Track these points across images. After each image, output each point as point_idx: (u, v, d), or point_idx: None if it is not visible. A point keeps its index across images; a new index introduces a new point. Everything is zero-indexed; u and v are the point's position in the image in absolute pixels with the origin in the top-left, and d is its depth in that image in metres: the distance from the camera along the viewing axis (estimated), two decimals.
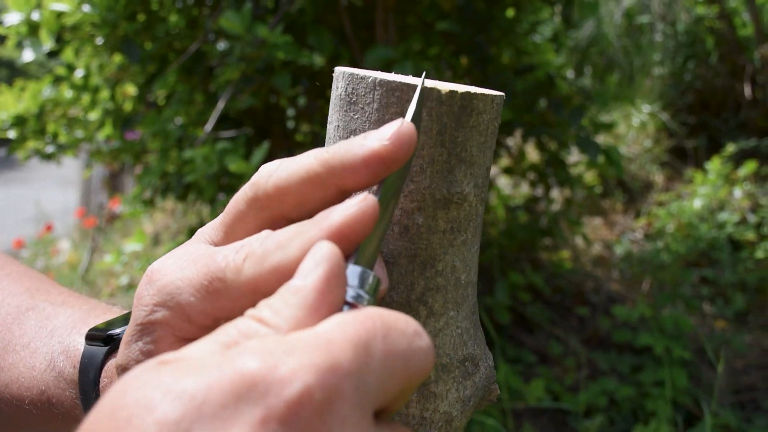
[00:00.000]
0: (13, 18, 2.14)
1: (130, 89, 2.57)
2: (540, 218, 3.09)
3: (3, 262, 0.64)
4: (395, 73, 1.64)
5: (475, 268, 0.48)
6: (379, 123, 0.43)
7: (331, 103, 0.47)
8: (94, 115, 2.34)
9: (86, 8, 2.04)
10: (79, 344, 0.52)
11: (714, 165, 3.92)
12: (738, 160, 4.15)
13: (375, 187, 0.40)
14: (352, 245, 0.37)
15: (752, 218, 3.68)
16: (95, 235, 4.78)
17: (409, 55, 2.27)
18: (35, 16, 2.14)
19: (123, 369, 0.40)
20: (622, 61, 4.66)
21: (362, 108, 0.44)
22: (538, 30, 3.02)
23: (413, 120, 0.41)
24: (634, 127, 4.37)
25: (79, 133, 2.57)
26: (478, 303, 2.79)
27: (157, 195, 2.40)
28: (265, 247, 0.37)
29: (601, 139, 4.03)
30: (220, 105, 1.97)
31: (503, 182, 3.91)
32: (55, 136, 2.27)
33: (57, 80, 2.44)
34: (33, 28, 2.14)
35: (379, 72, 0.46)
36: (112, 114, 2.31)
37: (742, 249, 3.50)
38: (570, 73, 4.11)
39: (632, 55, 4.62)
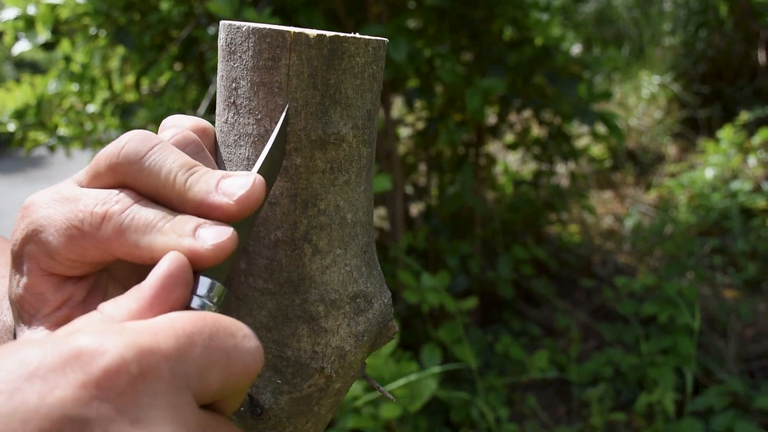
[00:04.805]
0: (9, 13, 2.19)
1: (131, 79, 2.62)
2: (544, 192, 3.08)
3: None
4: (389, 51, 1.63)
5: (365, 209, 0.50)
6: (255, 69, 0.45)
7: (218, 54, 0.49)
8: (93, 106, 2.39)
9: None
10: None
11: (726, 134, 3.86)
12: (753, 128, 4.09)
13: None
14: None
15: (767, 186, 3.62)
16: None
17: (401, 31, 2.28)
18: (31, 10, 2.18)
19: (11, 302, 0.43)
20: (632, 32, 4.60)
21: (240, 56, 0.46)
22: (541, 3, 2.99)
23: (278, 142, 0.44)
24: (644, 99, 4.31)
25: (88, 126, 2.63)
26: (482, 277, 2.79)
27: None
28: (132, 221, 0.40)
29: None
30: (212, 89, 2.00)
31: (511, 159, 3.90)
32: (55, 128, 2.33)
33: (61, 74, 2.50)
34: (29, 23, 2.19)
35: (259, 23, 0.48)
36: (111, 103, 2.35)
37: (755, 217, 3.46)
38: (577, 47, 4.07)
39: (642, 26, 4.55)
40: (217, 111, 0.49)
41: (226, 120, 0.48)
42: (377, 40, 0.47)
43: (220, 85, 0.48)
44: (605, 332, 2.69)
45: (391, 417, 1.73)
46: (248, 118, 0.46)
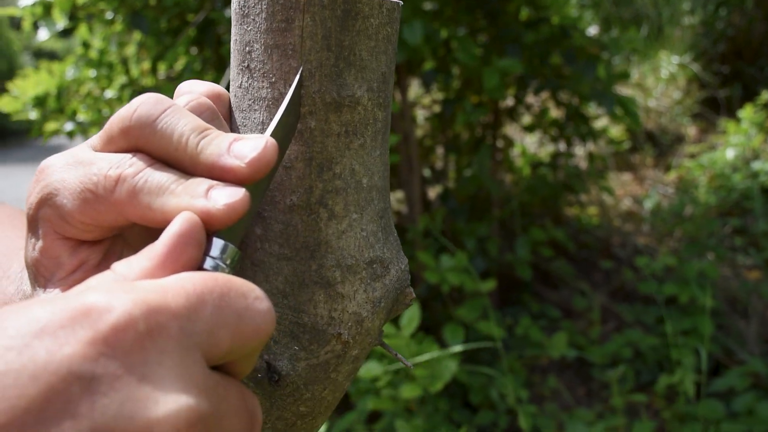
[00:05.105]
0: (27, 0, 2.21)
1: (148, 65, 2.63)
2: (562, 174, 3.06)
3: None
4: (404, 33, 1.61)
5: (381, 174, 0.49)
6: (268, 32, 0.45)
7: (231, 18, 0.49)
8: (111, 92, 2.40)
9: None
10: None
11: (747, 113, 3.80)
12: None
13: None
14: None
15: None
16: None
17: (417, 13, 2.26)
18: None
19: (27, 266, 0.43)
20: (651, 12, 4.53)
21: (253, 19, 0.45)
22: None
23: (291, 105, 0.44)
24: (663, 79, 4.25)
25: (106, 112, 2.64)
26: (501, 258, 2.78)
27: None
28: (145, 184, 0.40)
29: (627, 92, 3.94)
30: (228, 73, 2.00)
31: (529, 141, 3.87)
32: (73, 114, 2.34)
33: (78, 60, 2.51)
34: (47, 8, 2.20)
35: None
36: (128, 89, 2.36)
37: None
38: (594, 28, 4.02)
39: (661, 6, 4.48)
40: (231, 76, 0.49)
41: (240, 84, 0.47)
42: (391, 1, 0.46)
43: (234, 50, 0.48)
44: (625, 313, 2.67)
45: (411, 397, 1.73)
46: (262, 81, 0.46)
